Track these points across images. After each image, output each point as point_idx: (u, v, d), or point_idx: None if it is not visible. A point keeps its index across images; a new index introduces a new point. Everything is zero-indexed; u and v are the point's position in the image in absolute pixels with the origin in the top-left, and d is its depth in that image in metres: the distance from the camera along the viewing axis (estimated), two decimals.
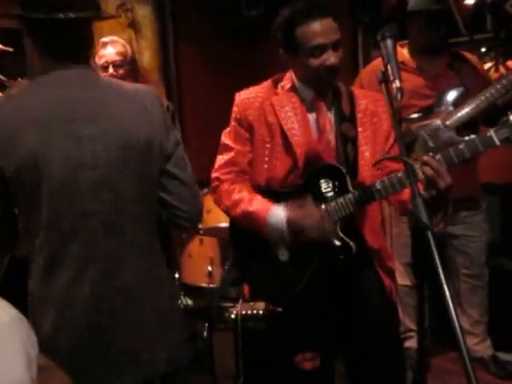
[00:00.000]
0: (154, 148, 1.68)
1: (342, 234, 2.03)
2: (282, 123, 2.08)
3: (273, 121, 2.11)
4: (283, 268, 2.09)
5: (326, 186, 2.05)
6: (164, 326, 1.75)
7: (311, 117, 2.12)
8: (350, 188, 2.04)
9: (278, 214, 2.04)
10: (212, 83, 4.68)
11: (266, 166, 2.12)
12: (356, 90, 2.23)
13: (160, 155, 1.71)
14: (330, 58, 1.99)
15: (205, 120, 4.53)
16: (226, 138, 2.21)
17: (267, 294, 2.23)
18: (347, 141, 2.08)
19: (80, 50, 1.68)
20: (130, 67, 3.03)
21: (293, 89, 2.13)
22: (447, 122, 2.89)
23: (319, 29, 1.97)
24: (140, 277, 1.69)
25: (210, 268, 3.60)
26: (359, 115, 2.11)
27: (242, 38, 4.76)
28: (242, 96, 2.17)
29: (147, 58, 4.38)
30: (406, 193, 1.98)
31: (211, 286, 3.58)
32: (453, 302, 3.37)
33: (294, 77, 2.14)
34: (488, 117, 2.88)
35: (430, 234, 1.45)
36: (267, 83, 2.20)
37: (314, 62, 2.00)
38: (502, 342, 3.46)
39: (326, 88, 2.11)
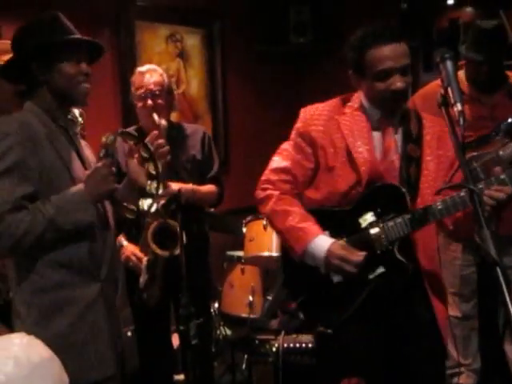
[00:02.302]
0: None
1: (399, 255, 1.98)
2: (347, 141, 2.06)
3: (338, 138, 2.08)
4: (336, 289, 2.04)
5: (385, 206, 2.01)
6: None
7: (377, 137, 2.09)
8: (409, 208, 1.98)
9: (322, 242, 2.01)
10: (259, 111, 4.61)
11: (328, 181, 2.09)
12: (424, 114, 2.18)
13: None
14: (397, 82, 1.96)
15: (251, 148, 4.47)
16: (286, 146, 2.19)
17: (318, 315, 2.14)
18: (411, 161, 2.05)
19: None
20: (167, 97, 2.86)
21: (360, 108, 2.11)
22: (501, 153, 2.75)
23: (388, 53, 1.95)
24: None
25: (250, 298, 3.48)
26: (427, 138, 2.08)
27: (290, 66, 4.70)
28: (306, 111, 2.16)
29: (195, 86, 4.35)
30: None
31: (252, 316, 3.48)
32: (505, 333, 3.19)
33: (362, 97, 2.12)
34: None
35: (498, 269, 1.35)
36: (334, 101, 2.17)
37: (380, 85, 1.98)
38: None
39: (392, 111, 2.07)
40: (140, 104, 2.84)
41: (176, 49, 4.26)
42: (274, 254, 3.33)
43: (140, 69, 2.91)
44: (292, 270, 2.18)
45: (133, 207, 1.99)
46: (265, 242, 3.35)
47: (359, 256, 1.96)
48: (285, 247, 2.17)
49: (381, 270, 2.00)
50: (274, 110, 4.68)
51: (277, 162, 2.17)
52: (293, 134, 2.18)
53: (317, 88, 4.82)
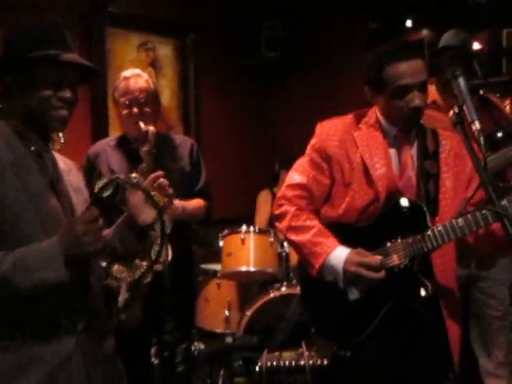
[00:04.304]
0: None
1: (418, 274, 1.90)
2: (364, 157, 1.97)
3: (354, 155, 1.99)
4: (353, 308, 1.94)
5: (404, 223, 1.92)
6: None
7: (393, 152, 2.01)
8: (430, 225, 1.89)
9: (340, 253, 1.93)
10: (231, 123, 4.48)
11: (344, 197, 2.00)
12: (440, 129, 2.09)
13: None
14: (415, 99, 1.89)
15: (224, 160, 4.30)
16: (302, 162, 2.10)
17: (334, 336, 2.05)
18: (429, 177, 1.97)
19: None
20: (154, 104, 2.63)
21: (376, 124, 2.02)
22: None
23: (407, 69, 1.88)
24: None
25: (227, 313, 3.32)
26: (443, 155, 2.00)
27: (262, 79, 4.61)
28: (322, 127, 2.07)
29: (167, 97, 4.15)
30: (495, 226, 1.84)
31: (228, 331, 3.30)
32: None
33: (377, 112, 2.03)
34: None
35: None
36: (349, 117, 2.08)
37: (399, 102, 1.90)
38: None
39: (409, 128, 1.99)
40: (125, 112, 2.58)
41: (148, 58, 4.07)
42: (252, 268, 3.19)
43: (124, 74, 2.64)
44: (307, 289, 2.09)
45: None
46: (243, 257, 3.20)
47: (376, 260, 1.89)
48: (302, 264, 2.07)
49: (399, 289, 1.91)
50: (246, 121, 4.56)
51: (292, 177, 2.09)
52: (308, 150, 2.09)
53: (287, 101, 4.76)
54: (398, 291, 1.91)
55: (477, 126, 1.52)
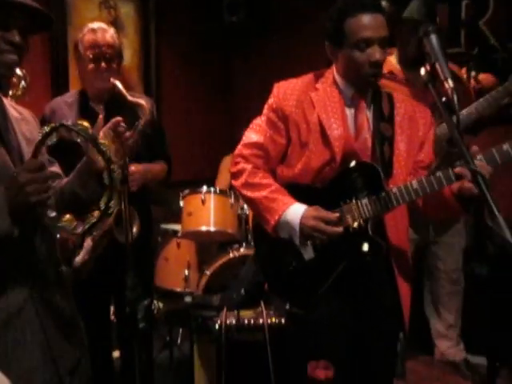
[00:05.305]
0: None
1: (373, 234, 1.86)
2: (320, 117, 1.91)
3: (311, 115, 1.93)
4: (307, 267, 1.90)
5: (359, 184, 1.88)
6: None
7: (349, 113, 1.95)
8: (385, 187, 1.85)
9: (297, 209, 1.88)
10: (192, 85, 4.39)
11: (300, 158, 1.93)
12: (394, 93, 2.04)
13: None
14: (376, 53, 1.82)
15: (183, 121, 4.21)
16: (259, 121, 2.03)
17: (288, 295, 2.00)
18: (384, 140, 1.91)
19: None
20: (119, 61, 2.44)
21: (333, 84, 1.96)
22: (437, 131, 2.67)
23: (369, 22, 1.81)
24: None
25: (186, 272, 3.29)
26: (397, 118, 1.95)
27: (223, 43, 4.52)
28: (279, 87, 1.99)
29: (128, 56, 3.97)
30: (446, 190, 1.83)
31: (187, 290, 3.26)
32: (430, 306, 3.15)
33: (335, 72, 1.97)
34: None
35: None
36: (307, 77, 2.00)
37: (360, 55, 1.83)
38: (472, 345, 3.29)
39: (367, 85, 1.92)
40: (91, 66, 2.39)
41: (109, 16, 3.88)
42: (212, 228, 3.14)
43: (91, 25, 2.44)
44: (262, 247, 2.04)
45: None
46: (203, 217, 3.15)
47: (333, 215, 1.86)
48: (257, 222, 2.00)
49: (353, 249, 1.87)
50: (208, 83, 4.48)
51: (249, 136, 2.02)
52: (265, 109, 2.01)
53: (250, 64, 4.67)
54: (352, 251, 1.88)
55: (450, 83, 1.45)
